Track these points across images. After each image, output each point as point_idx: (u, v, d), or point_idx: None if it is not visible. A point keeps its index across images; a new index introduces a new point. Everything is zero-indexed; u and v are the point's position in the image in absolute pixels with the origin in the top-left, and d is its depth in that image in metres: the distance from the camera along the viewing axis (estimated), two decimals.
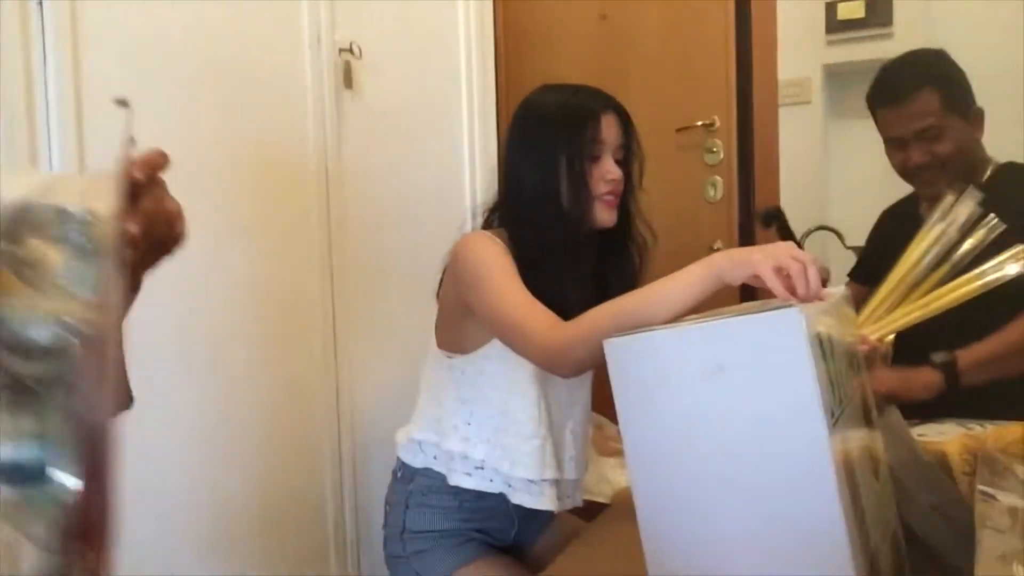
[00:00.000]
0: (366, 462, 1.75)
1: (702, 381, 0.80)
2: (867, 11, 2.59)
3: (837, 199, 2.71)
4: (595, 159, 1.28)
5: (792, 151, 2.57)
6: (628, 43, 2.64)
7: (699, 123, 2.51)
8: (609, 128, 1.29)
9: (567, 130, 1.27)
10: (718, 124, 2.49)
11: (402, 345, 1.83)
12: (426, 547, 1.35)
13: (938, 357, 1.43)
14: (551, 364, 1.14)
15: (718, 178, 2.51)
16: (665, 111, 2.55)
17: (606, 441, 1.93)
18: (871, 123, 1.69)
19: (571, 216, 1.27)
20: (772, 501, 0.78)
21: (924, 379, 1.43)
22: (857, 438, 0.89)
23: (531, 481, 1.29)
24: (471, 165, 2.11)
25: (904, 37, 2.47)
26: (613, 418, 2.15)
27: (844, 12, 2.64)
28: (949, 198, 1.31)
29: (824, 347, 0.81)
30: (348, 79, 1.73)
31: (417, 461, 1.38)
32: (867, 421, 0.98)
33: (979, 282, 1.22)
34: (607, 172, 1.28)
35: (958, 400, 1.38)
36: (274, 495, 1.56)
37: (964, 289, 1.23)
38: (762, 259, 0.91)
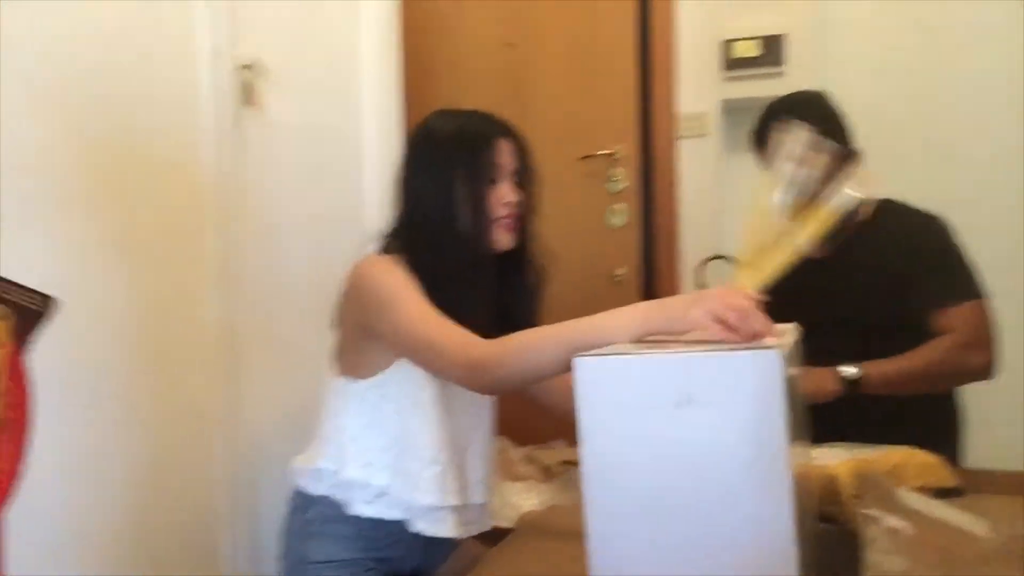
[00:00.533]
0: (263, 491, 1.69)
1: (671, 409, 0.80)
2: (762, 49, 2.70)
3: (733, 229, 2.80)
4: (492, 182, 1.30)
5: (691, 182, 2.64)
6: (533, 72, 2.68)
7: (601, 152, 2.57)
8: (504, 153, 1.31)
9: (463, 154, 1.29)
10: (620, 154, 2.55)
11: (302, 369, 1.78)
12: None
13: (844, 369, 1.54)
14: (469, 378, 1.14)
15: (621, 206, 2.57)
16: (569, 140, 2.60)
17: (511, 465, 1.93)
18: None
19: (469, 238, 1.28)
20: (726, 529, 0.80)
21: (822, 384, 1.53)
22: (799, 454, 0.92)
23: (432, 508, 1.27)
24: (375, 186, 2.09)
25: (795, 76, 2.58)
26: (516, 441, 2.14)
27: (739, 50, 2.75)
28: (778, 135, 1.30)
29: (789, 383, 0.83)
30: (248, 96, 1.69)
31: (316, 489, 1.34)
32: (806, 432, 1.00)
33: (826, 208, 1.21)
34: (504, 195, 1.30)
35: (849, 424, 1.43)
36: (164, 527, 1.49)
37: (817, 219, 1.22)
38: (700, 316, 0.91)
